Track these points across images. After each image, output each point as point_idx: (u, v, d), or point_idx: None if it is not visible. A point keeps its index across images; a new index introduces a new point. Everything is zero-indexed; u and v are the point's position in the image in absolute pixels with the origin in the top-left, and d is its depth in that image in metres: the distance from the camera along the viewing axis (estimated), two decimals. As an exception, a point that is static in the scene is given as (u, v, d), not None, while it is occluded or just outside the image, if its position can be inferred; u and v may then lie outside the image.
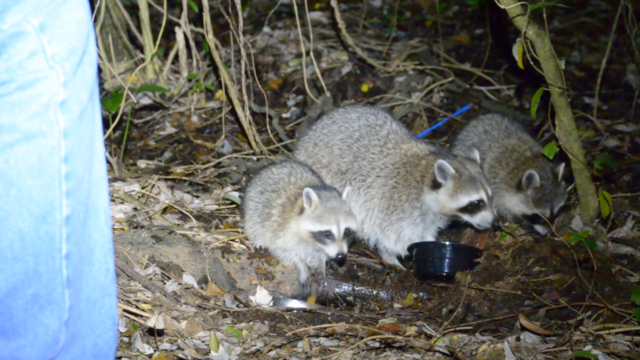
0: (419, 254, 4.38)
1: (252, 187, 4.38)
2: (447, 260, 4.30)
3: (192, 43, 5.87)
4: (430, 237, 4.48)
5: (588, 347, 3.47)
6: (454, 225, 4.61)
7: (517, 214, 4.80)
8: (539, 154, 4.80)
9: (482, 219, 4.33)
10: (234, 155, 5.60)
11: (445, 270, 4.28)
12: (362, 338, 3.57)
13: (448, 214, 4.37)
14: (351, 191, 4.42)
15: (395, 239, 4.44)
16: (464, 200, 4.29)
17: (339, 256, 3.99)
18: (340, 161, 4.55)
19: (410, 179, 4.41)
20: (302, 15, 5.85)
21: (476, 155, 4.48)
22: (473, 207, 4.31)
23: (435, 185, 4.32)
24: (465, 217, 4.35)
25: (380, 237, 4.48)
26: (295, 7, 5.30)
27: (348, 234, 4.04)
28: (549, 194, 4.72)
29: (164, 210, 4.62)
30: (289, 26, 7.17)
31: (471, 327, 3.83)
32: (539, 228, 4.76)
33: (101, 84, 6.04)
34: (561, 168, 4.73)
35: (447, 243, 4.34)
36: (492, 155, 4.92)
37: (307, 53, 5.55)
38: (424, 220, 4.43)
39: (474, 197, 4.29)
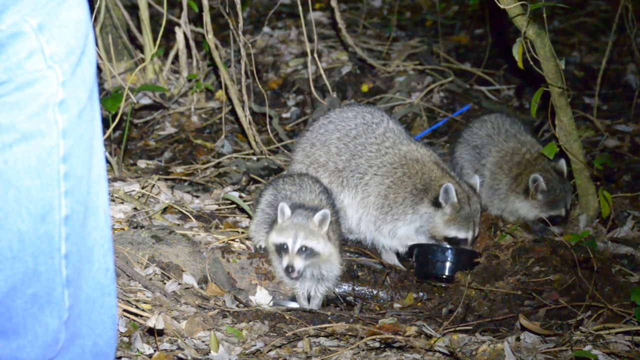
0: (420, 254, 4.39)
1: (268, 191, 4.37)
2: (448, 263, 4.32)
3: (192, 43, 5.87)
4: (424, 240, 4.48)
5: (588, 347, 3.47)
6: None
7: (532, 219, 4.79)
8: (539, 154, 4.80)
9: None
10: (234, 155, 5.60)
11: (447, 274, 4.30)
12: (362, 338, 3.57)
13: (431, 234, 4.42)
14: (355, 193, 4.47)
15: (391, 236, 4.47)
16: (453, 233, 4.40)
17: (289, 269, 3.97)
18: (337, 159, 4.55)
19: (407, 183, 4.43)
20: (303, 15, 5.85)
21: (476, 181, 4.54)
22: (456, 242, 4.41)
23: (436, 204, 4.35)
24: (445, 243, 4.44)
25: (376, 235, 4.50)
26: (300, 7, 5.30)
27: (306, 252, 3.98)
28: (560, 194, 4.72)
29: (164, 210, 4.62)
30: (289, 26, 7.17)
31: (471, 327, 3.83)
32: (555, 228, 4.73)
33: (101, 84, 6.04)
34: (563, 164, 4.74)
35: (449, 246, 4.35)
36: (492, 160, 4.93)
37: (311, 53, 5.54)
38: (414, 223, 4.45)
39: (462, 235, 4.41)
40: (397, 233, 4.46)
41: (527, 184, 4.75)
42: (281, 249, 3.99)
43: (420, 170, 4.44)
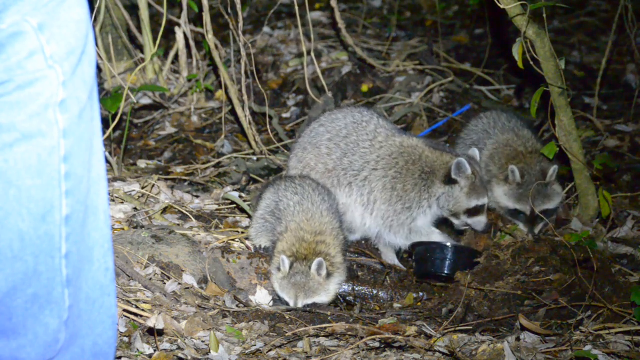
0: (420, 253, 4.38)
1: (268, 194, 4.36)
2: (447, 261, 4.31)
3: (192, 43, 5.87)
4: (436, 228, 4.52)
5: (588, 347, 3.47)
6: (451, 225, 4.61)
7: (502, 205, 4.82)
8: (534, 149, 4.81)
9: (477, 222, 4.48)
10: (234, 155, 5.60)
11: (446, 272, 4.30)
12: (362, 338, 3.57)
13: (453, 211, 4.41)
14: (349, 191, 4.46)
15: (407, 233, 4.45)
16: (474, 202, 4.42)
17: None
18: (327, 160, 4.53)
19: (413, 169, 4.42)
20: (302, 15, 5.85)
21: (475, 153, 4.57)
22: (476, 210, 4.43)
23: (449, 181, 4.36)
24: (463, 218, 4.43)
25: (385, 231, 4.46)
26: (297, 8, 5.30)
27: (309, 306, 4.04)
28: (527, 191, 4.68)
29: (164, 210, 4.62)
30: (289, 26, 7.17)
31: (471, 327, 3.83)
32: (520, 224, 4.78)
33: (101, 84, 6.04)
34: (552, 169, 4.70)
35: (449, 244, 4.35)
36: (487, 152, 4.94)
37: (308, 53, 5.54)
38: (432, 208, 4.46)
39: (482, 201, 4.44)
40: (413, 227, 4.45)
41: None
42: (284, 302, 4.06)
43: (422, 154, 4.44)
